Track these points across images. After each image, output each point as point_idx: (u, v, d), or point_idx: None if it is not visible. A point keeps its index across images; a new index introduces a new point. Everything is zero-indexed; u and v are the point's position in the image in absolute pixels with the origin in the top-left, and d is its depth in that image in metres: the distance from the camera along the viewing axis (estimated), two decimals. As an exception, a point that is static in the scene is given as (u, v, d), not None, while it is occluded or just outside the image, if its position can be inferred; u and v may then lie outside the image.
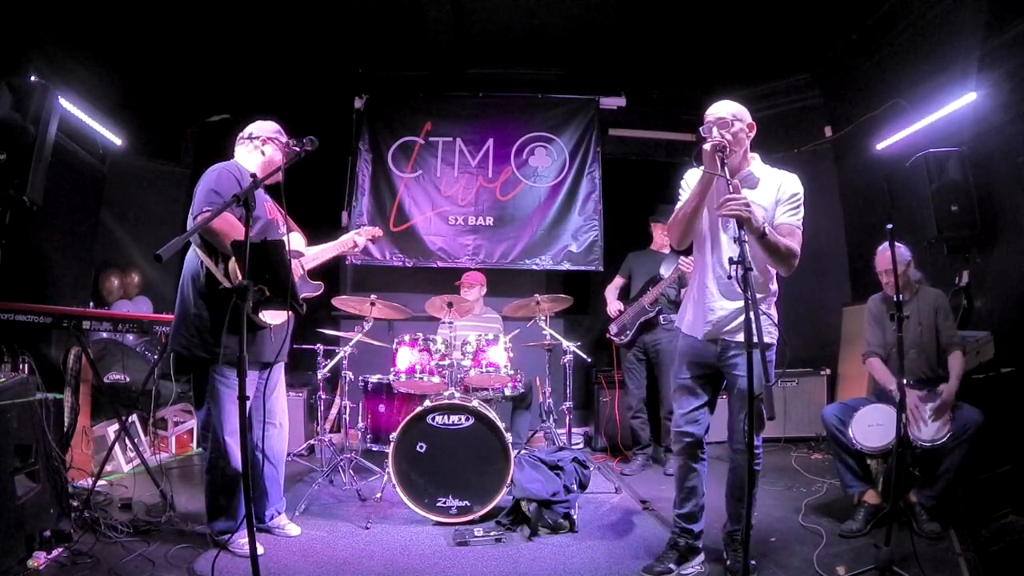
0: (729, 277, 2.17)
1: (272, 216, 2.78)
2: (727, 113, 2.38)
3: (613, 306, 4.46)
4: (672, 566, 2.47)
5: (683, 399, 2.54)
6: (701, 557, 2.53)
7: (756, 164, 2.51)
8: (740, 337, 2.40)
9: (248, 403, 2.53)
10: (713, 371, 2.51)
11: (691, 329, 2.55)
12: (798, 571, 2.48)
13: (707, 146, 2.23)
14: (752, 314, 1.93)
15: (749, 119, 2.44)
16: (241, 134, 2.87)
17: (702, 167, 2.35)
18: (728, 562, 2.47)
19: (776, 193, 2.45)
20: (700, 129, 2.42)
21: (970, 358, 3.23)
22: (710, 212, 2.44)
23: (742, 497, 2.45)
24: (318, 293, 2.94)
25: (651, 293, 4.22)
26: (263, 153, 2.80)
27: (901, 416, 2.50)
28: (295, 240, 2.87)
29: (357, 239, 3.07)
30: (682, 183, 2.56)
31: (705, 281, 2.49)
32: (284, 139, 2.82)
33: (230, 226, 2.46)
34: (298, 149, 2.48)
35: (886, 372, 3.14)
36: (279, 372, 2.90)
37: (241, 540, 2.50)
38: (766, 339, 2.40)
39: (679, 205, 2.49)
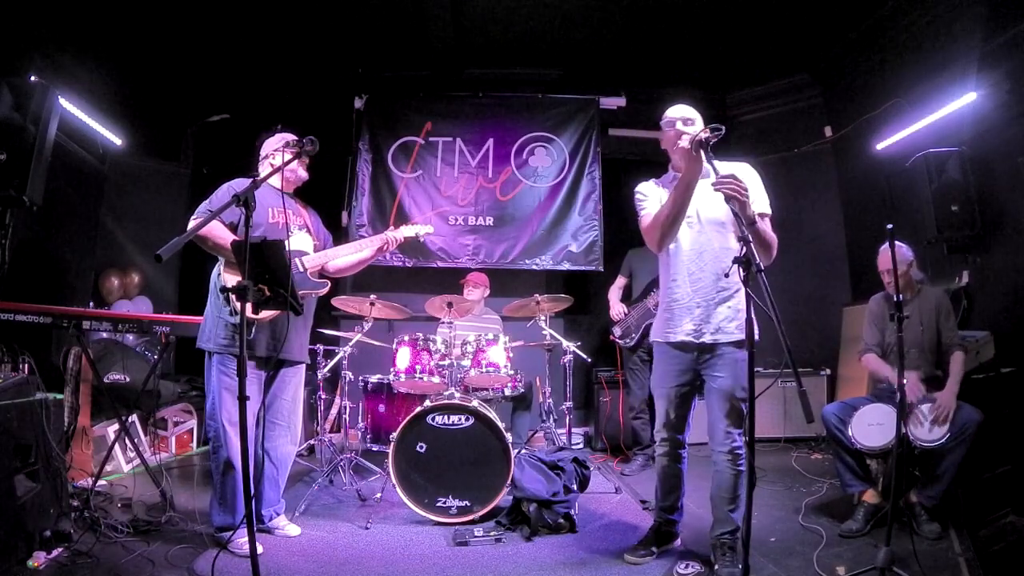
0: (726, 275, 2.18)
1: (275, 220, 2.81)
2: (691, 113, 2.50)
3: (616, 309, 4.44)
4: (654, 548, 2.62)
5: (668, 407, 2.56)
6: (679, 541, 2.73)
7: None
8: (720, 337, 2.43)
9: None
10: (693, 375, 2.53)
11: (668, 335, 2.54)
12: (798, 571, 2.48)
13: (684, 142, 2.24)
14: (759, 314, 1.91)
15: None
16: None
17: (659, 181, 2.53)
18: (716, 566, 2.43)
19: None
20: (663, 124, 2.53)
21: (970, 358, 3.22)
22: None
23: (730, 500, 2.46)
24: (320, 292, 2.93)
25: (655, 295, 4.21)
26: (272, 166, 2.84)
27: (901, 416, 2.50)
28: (302, 240, 2.89)
29: (393, 235, 2.99)
30: (639, 194, 2.60)
31: (681, 285, 2.49)
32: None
33: (210, 232, 2.63)
34: (298, 149, 2.54)
35: (881, 363, 3.16)
36: (294, 374, 2.92)
37: (241, 540, 2.53)
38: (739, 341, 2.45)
39: (648, 210, 2.53)
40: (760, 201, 2.43)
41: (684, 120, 2.49)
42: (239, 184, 2.77)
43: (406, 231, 3.04)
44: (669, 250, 2.52)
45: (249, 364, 2.66)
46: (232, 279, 2.70)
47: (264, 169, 2.88)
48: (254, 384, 2.72)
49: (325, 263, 2.95)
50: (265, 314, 2.63)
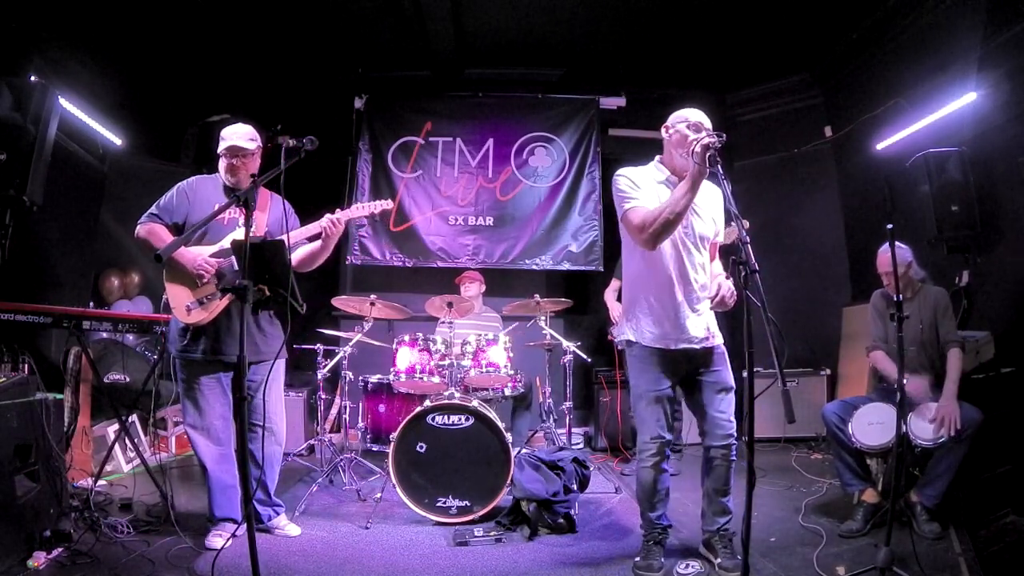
0: (728, 277, 2.21)
1: (220, 218, 2.70)
2: (705, 119, 2.42)
3: (616, 311, 4.42)
4: (663, 560, 2.52)
5: (659, 408, 2.49)
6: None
7: None
8: (709, 343, 2.49)
9: (209, 401, 2.74)
10: (683, 375, 2.53)
11: (659, 341, 2.46)
12: (798, 571, 2.48)
13: (698, 147, 2.18)
14: (763, 318, 1.92)
15: None
16: None
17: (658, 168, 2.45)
18: (718, 559, 2.46)
19: (721, 205, 2.54)
20: (675, 123, 2.43)
21: (970, 358, 3.22)
22: None
23: (725, 491, 2.50)
24: None
25: None
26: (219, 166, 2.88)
27: (901, 415, 2.50)
28: (238, 236, 2.82)
29: (332, 217, 2.78)
30: (626, 181, 2.43)
31: (672, 291, 2.44)
32: (219, 150, 2.83)
33: (152, 236, 2.69)
34: (269, 144, 2.55)
35: (890, 363, 3.10)
36: (271, 371, 2.82)
37: (212, 537, 2.65)
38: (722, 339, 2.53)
39: (639, 202, 2.38)
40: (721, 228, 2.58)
41: (696, 125, 2.39)
42: (188, 184, 2.84)
43: (352, 212, 2.88)
44: (666, 260, 2.44)
45: (199, 367, 2.72)
46: (171, 286, 2.70)
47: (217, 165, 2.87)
48: (215, 388, 2.75)
49: None
50: (201, 316, 2.66)
